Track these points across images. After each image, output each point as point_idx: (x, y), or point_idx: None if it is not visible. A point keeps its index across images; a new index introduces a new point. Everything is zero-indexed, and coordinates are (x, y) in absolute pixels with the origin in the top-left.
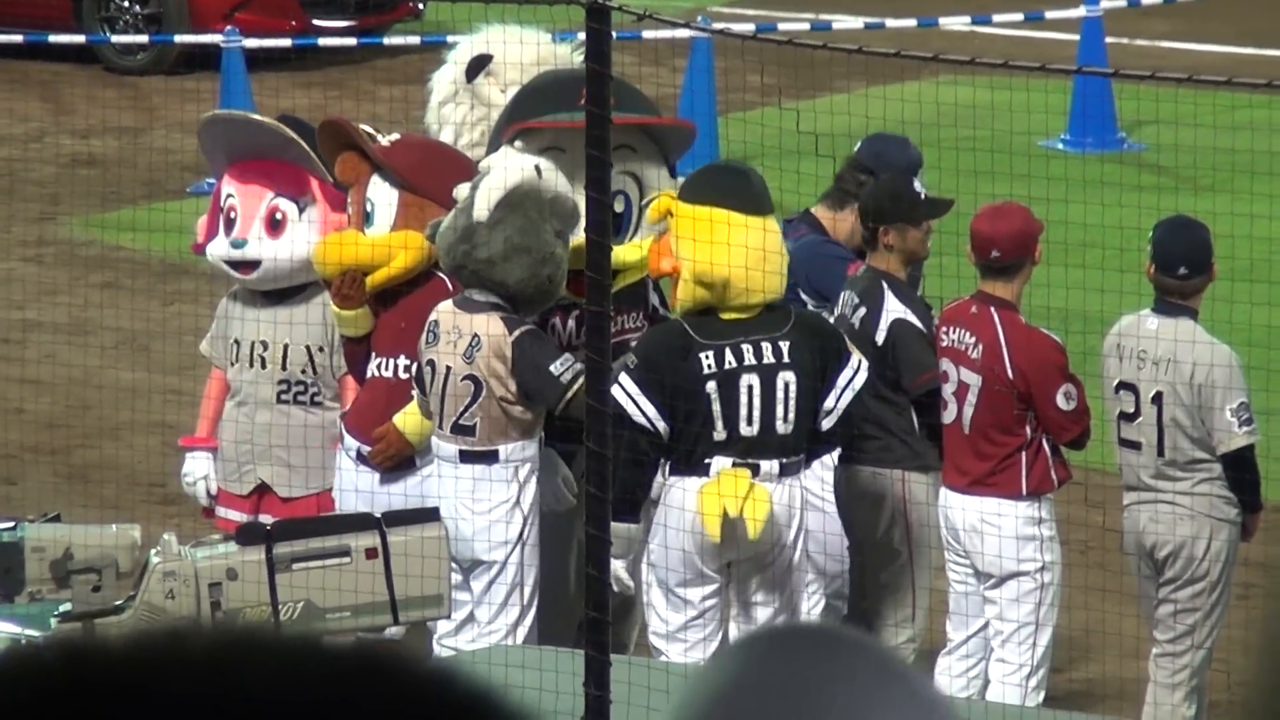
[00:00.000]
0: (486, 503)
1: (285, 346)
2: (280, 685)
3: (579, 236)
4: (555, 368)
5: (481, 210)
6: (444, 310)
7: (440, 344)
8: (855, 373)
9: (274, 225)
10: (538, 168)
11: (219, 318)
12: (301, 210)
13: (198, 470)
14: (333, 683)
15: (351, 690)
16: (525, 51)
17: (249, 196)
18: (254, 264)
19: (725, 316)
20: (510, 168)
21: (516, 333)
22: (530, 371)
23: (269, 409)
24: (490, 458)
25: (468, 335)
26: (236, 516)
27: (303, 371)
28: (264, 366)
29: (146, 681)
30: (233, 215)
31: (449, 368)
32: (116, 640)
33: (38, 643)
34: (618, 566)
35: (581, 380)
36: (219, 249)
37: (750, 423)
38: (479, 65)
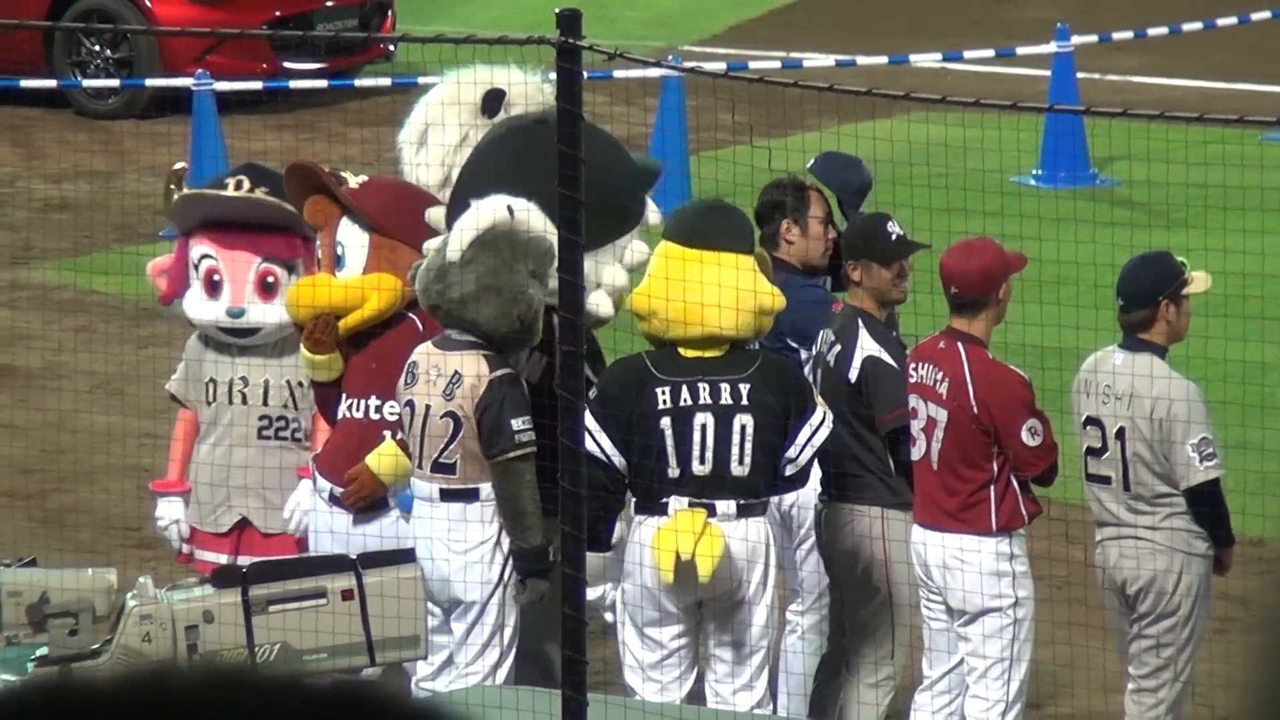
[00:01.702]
0: (464, 543)
1: (266, 383)
2: None
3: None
4: (515, 424)
5: (455, 250)
6: (421, 351)
7: (418, 384)
8: (818, 427)
9: (266, 289)
10: (510, 209)
11: (189, 359)
12: (291, 272)
13: (171, 513)
14: None
15: None
16: (530, 90)
17: (236, 262)
18: (253, 330)
19: (686, 354)
20: (484, 208)
21: (497, 373)
22: (492, 413)
23: (246, 446)
24: (470, 496)
25: (448, 373)
26: (214, 558)
27: (284, 407)
28: (245, 402)
29: None
30: (216, 278)
31: (428, 406)
32: (99, 681)
33: (19, 684)
34: (590, 594)
35: (529, 451)
36: (210, 314)
37: (703, 461)
38: (496, 101)
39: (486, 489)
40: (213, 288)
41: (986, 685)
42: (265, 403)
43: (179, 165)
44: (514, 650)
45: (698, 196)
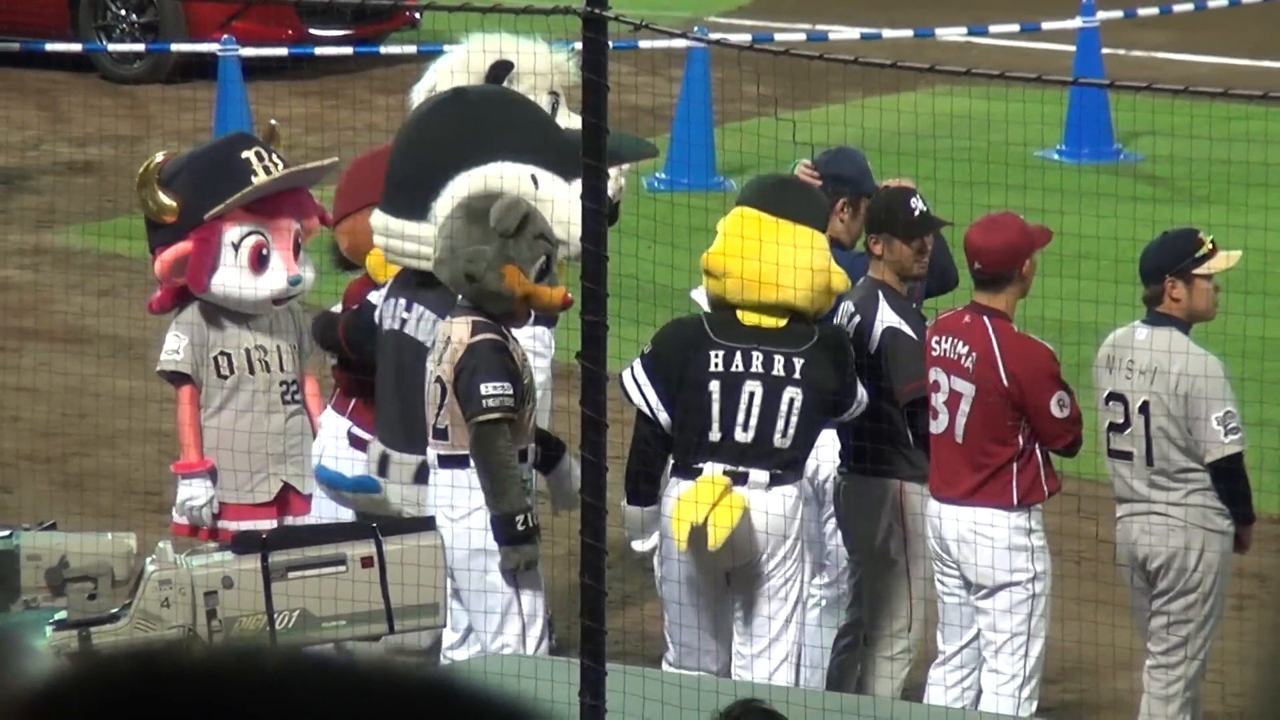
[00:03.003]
0: (462, 508)
1: (279, 348)
2: (351, 707)
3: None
4: (486, 388)
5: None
6: (444, 321)
7: (433, 352)
8: (856, 410)
9: (298, 251)
10: (534, 178)
11: (191, 336)
12: (304, 229)
13: (201, 494)
14: (403, 707)
15: (421, 715)
16: (539, 60)
17: (280, 232)
18: (301, 292)
19: (745, 321)
20: (464, 178)
21: (477, 338)
22: (464, 376)
23: (279, 411)
24: (463, 461)
25: (444, 339)
26: (264, 526)
27: (292, 370)
28: (267, 370)
29: (218, 699)
30: (265, 252)
31: (430, 373)
32: (190, 654)
33: (114, 652)
34: (638, 545)
35: (500, 417)
36: (267, 287)
37: (746, 429)
38: (502, 71)
39: None
40: (260, 262)
41: (1003, 659)
42: (282, 368)
43: (158, 159)
44: (540, 619)
45: (721, 168)
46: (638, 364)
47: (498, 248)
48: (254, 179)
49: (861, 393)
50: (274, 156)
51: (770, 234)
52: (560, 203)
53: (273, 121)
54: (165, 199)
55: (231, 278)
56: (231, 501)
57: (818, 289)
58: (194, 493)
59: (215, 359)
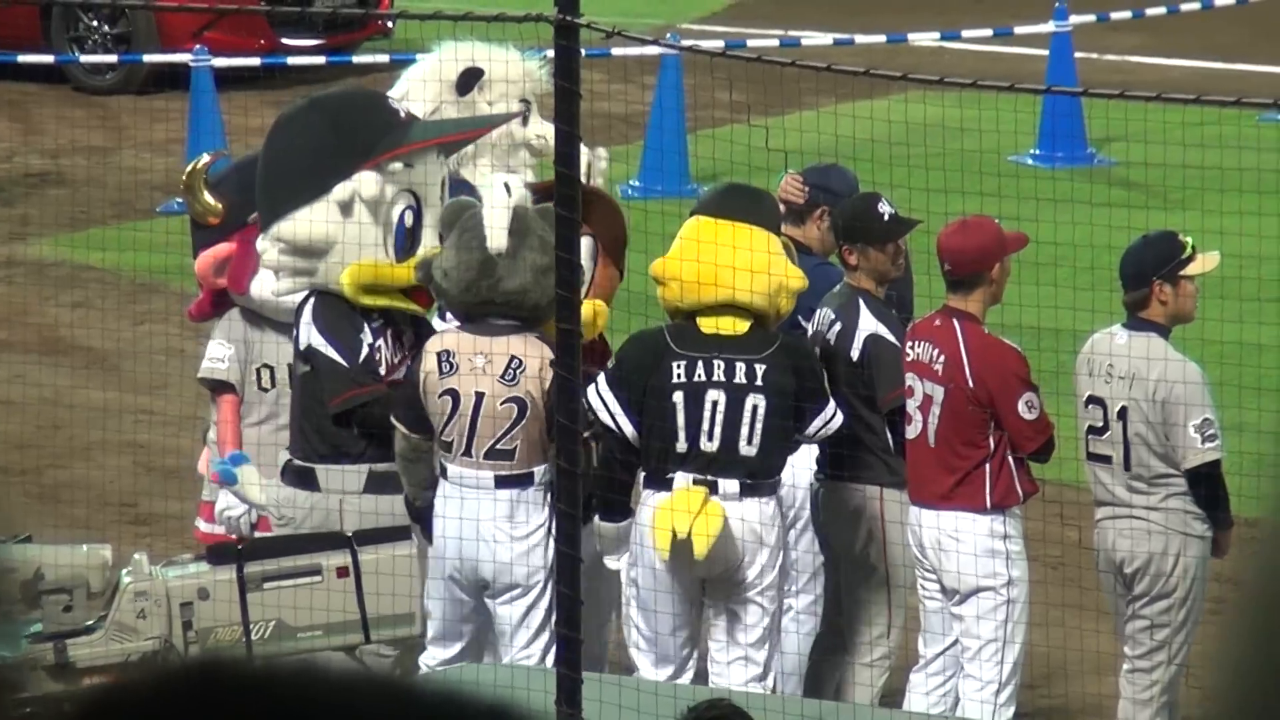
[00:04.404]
0: (525, 526)
1: None
2: None
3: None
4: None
5: (498, 243)
6: (451, 340)
7: (462, 371)
8: (830, 420)
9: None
10: (507, 185)
11: (234, 342)
12: None
13: (239, 503)
14: None
15: None
16: (511, 68)
17: None
18: None
19: (706, 329)
20: (493, 193)
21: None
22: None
23: None
24: (526, 481)
25: (503, 357)
26: None
27: None
28: None
29: (276, 711)
30: None
31: (480, 394)
32: (250, 665)
33: (176, 663)
34: (611, 562)
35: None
36: None
37: (711, 438)
38: (471, 79)
39: (539, 472)
40: None
41: (980, 665)
42: None
43: (203, 161)
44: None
45: (694, 175)
46: (602, 378)
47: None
48: None
49: (833, 407)
50: None
51: (717, 236)
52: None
53: (203, 162)
54: (211, 200)
55: (270, 284)
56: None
57: (770, 289)
58: (233, 501)
59: (258, 371)
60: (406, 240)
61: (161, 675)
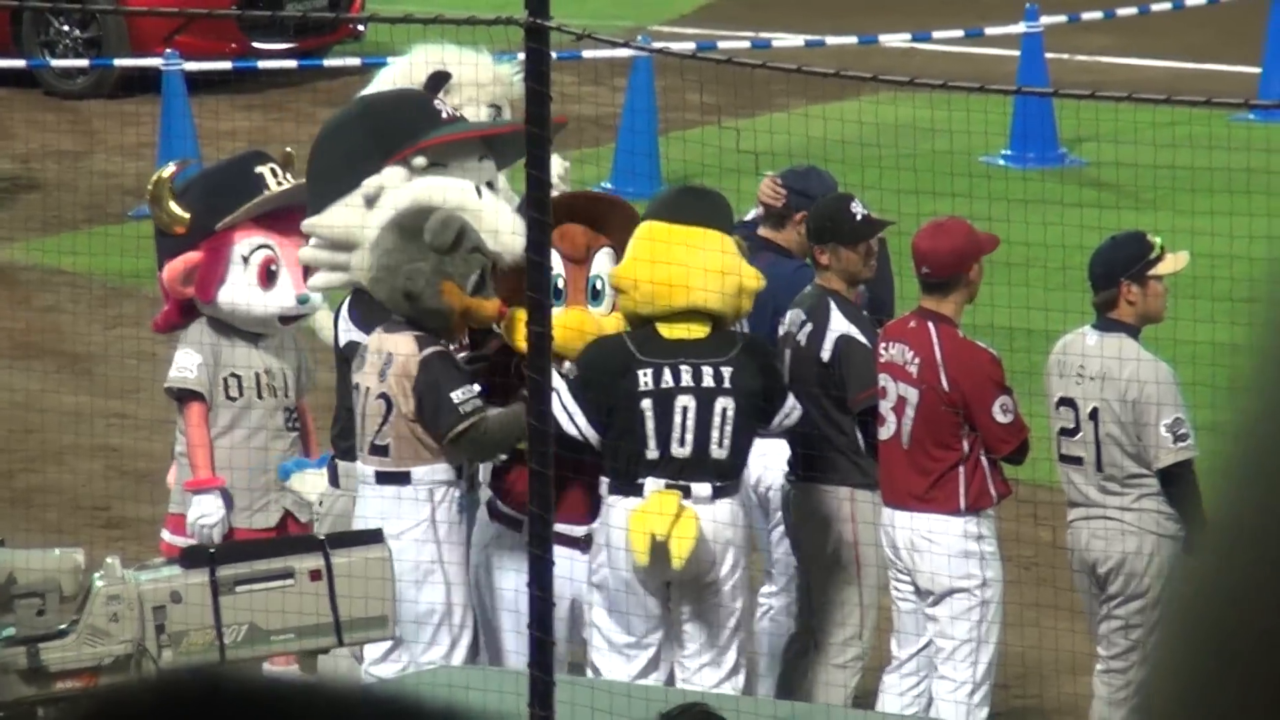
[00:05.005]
0: (399, 523)
1: (284, 372)
2: None
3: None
4: (456, 395)
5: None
6: (373, 335)
7: (365, 366)
8: (789, 413)
9: (307, 271)
10: (478, 189)
11: (204, 353)
12: None
13: (214, 511)
14: None
15: None
16: (480, 72)
17: (290, 249)
18: (309, 313)
19: (668, 335)
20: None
21: (426, 352)
22: (429, 392)
23: (282, 437)
24: (403, 479)
25: (384, 355)
26: None
27: (295, 395)
28: (274, 395)
29: None
30: (274, 268)
31: (367, 389)
32: (253, 678)
33: (178, 672)
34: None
35: (480, 418)
36: (275, 303)
37: (683, 444)
38: (439, 82)
39: (419, 472)
40: (269, 278)
41: (954, 666)
42: (287, 394)
43: (169, 170)
44: (468, 631)
45: (666, 177)
46: (563, 388)
47: (434, 265)
48: (267, 193)
49: (791, 400)
50: (288, 176)
51: (675, 239)
52: (490, 213)
53: (288, 149)
54: (177, 210)
55: (240, 292)
56: (235, 525)
57: (730, 290)
58: (207, 509)
59: (225, 380)
60: None
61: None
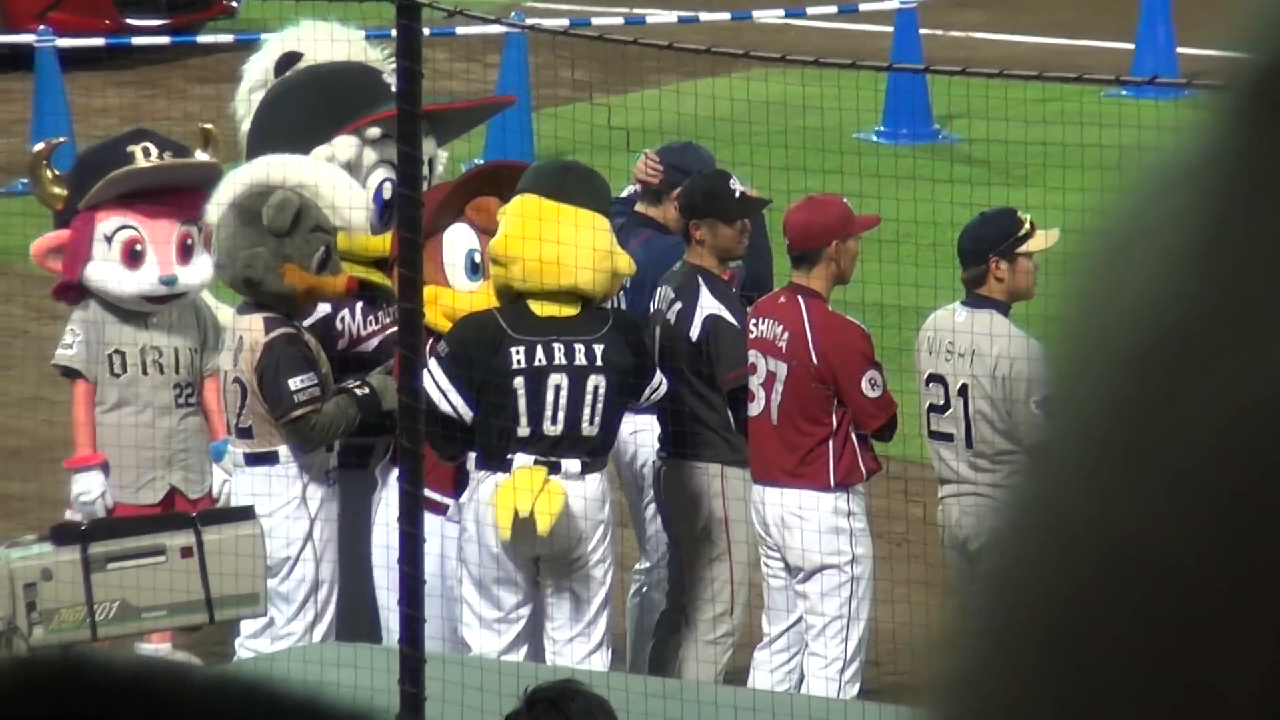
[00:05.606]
0: (269, 502)
1: (175, 350)
2: None
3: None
4: (294, 383)
5: (213, 217)
6: (230, 316)
7: (223, 349)
8: (657, 388)
9: (186, 252)
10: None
11: (86, 331)
12: (199, 231)
13: (95, 488)
14: None
15: None
16: (336, 49)
17: (159, 229)
18: (181, 294)
19: (539, 312)
20: (241, 171)
21: (272, 335)
22: (269, 375)
23: (169, 414)
24: (270, 459)
25: (237, 337)
26: None
27: (189, 372)
28: (161, 372)
29: (140, 712)
30: (138, 248)
31: (225, 371)
32: (117, 661)
33: (38, 651)
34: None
35: (312, 409)
36: (137, 285)
37: (555, 422)
38: (288, 62)
39: (286, 451)
40: (133, 258)
41: (825, 643)
42: (177, 370)
43: (40, 146)
44: (332, 609)
45: (539, 153)
46: (434, 364)
47: (274, 248)
48: (117, 172)
49: (659, 375)
50: (167, 155)
51: (554, 217)
52: (327, 187)
53: (207, 126)
54: (53, 188)
55: (103, 271)
56: (120, 501)
57: (603, 270)
58: (87, 486)
59: (109, 357)
60: (385, 212)
61: (24, 663)
